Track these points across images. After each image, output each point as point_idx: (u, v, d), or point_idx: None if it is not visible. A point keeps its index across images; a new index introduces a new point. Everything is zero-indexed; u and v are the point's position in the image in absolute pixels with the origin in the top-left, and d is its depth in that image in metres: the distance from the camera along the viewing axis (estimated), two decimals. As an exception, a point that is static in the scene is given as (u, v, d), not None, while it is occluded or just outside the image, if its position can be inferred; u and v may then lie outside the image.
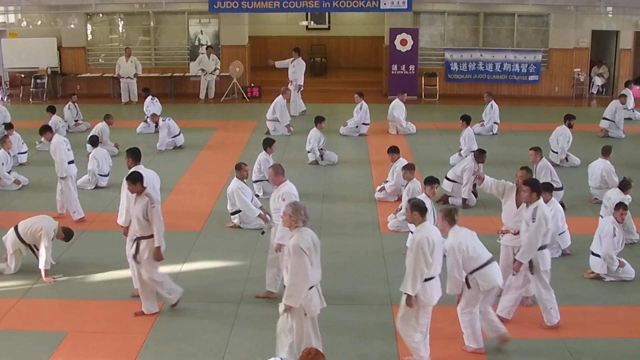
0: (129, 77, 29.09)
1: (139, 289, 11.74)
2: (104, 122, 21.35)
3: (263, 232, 13.33)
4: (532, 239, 11.14)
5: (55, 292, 12.72)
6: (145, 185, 11.63)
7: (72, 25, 31.02)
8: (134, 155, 13.00)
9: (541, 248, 11.27)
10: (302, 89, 27.30)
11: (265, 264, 12.62)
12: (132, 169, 12.53)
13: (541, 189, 11.67)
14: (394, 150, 17.37)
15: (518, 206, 11.76)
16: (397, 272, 12.68)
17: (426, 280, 9.93)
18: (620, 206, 13.30)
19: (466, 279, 10.52)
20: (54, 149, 16.10)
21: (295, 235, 9.64)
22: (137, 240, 11.50)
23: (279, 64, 28.04)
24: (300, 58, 27.58)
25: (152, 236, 11.39)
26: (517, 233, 11.62)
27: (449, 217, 10.59)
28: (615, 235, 12.99)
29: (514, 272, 11.40)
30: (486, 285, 10.51)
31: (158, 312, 11.79)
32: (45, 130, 16.90)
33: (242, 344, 10.89)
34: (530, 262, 11.25)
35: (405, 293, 10.00)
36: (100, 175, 18.38)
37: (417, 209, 10.14)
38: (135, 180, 11.48)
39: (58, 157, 16.00)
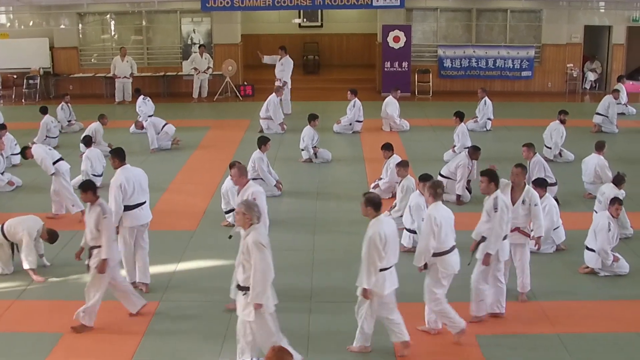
0: (125, 77, 29.06)
1: (116, 294, 11.71)
2: (98, 122, 21.30)
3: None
4: (497, 229, 11.23)
5: (49, 293, 12.70)
6: (98, 194, 11.48)
7: (64, 26, 30.95)
8: (119, 155, 12.88)
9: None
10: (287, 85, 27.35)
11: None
12: (119, 169, 12.56)
13: (498, 179, 11.63)
14: (387, 148, 17.37)
15: (514, 203, 11.80)
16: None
17: (381, 270, 10.22)
18: (615, 201, 13.33)
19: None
20: (36, 156, 16.16)
21: (252, 232, 9.62)
22: (91, 249, 11.43)
23: (267, 59, 28.05)
24: (288, 56, 27.60)
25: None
26: (513, 230, 11.67)
27: (433, 189, 10.99)
28: (610, 230, 13.02)
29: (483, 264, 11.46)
30: (445, 272, 10.80)
31: (152, 313, 11.80)
32: (25, 150, 16.73)
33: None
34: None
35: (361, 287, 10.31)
36: (94, 175, 18.31)
37: (371, 204, 10.28)
38: (86, 189, 11.38)
39: (40, 159, 16.09)
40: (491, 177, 11.47)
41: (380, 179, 17.57)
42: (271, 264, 9.59)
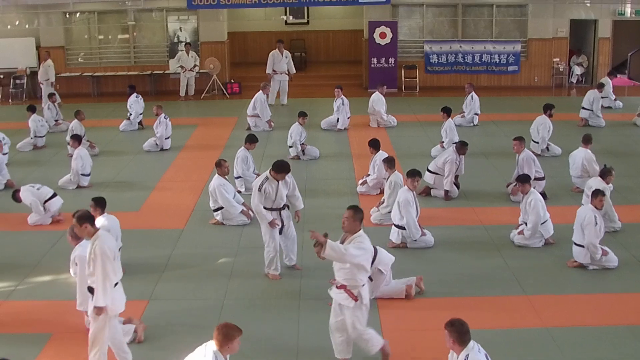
0: (40, 83, 28.67)
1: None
2: (75, 119, 21.24)
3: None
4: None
5: (38, 294, 12.68)
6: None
7: (50, 25, 30.83)
8: (100, 204, 12.86)
9: None
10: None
11: (248, 260, 12.76)
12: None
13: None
14: (373, 145, 17.41)
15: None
16: (381, 265, 12.74)
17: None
18: (597, 193, 13.33)
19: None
20: (25, 201, 15.89)
21: None
22: None
23: (270, 67, 27.89)
24: None
25: None
26: (339, 287, 9.98)
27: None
28: (597, 223, 13.03)
29: None
30: None
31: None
32: (14, 193, 16.24)
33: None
34: None
35: (95, 307, 9.68)
36: (82, 174, 18.29)
37: (87, 220, 9.77)
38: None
39: (29, 202, 15.83)
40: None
41: (368, 175, 17.59)
42: None
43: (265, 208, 12.84)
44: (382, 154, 16.93)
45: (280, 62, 27.69)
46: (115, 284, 9.85)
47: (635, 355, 10.48)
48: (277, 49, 27.78)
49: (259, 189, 12.78)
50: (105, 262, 9.54)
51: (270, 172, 12.88)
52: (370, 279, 11.38)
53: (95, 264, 9.57)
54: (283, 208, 13.15)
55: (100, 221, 12.61)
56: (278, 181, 12.87)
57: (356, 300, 9.85)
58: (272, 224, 12.94)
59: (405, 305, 11.97)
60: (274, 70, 27.60)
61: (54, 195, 16.13)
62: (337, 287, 10.01)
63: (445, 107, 20.64)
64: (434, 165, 17.40)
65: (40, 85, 28.67)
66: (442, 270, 13.18)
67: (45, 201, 15.91)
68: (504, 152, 17.02)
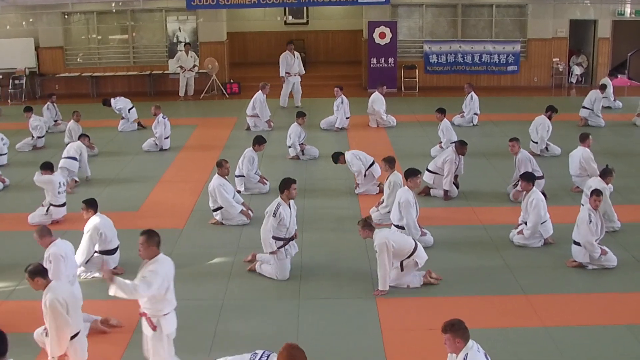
0: None
1: None
2: (72, 120, 21.40)
3: None
4: None
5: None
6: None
7: (50, 25, 30.82)
8: (92, 205, 13.35)
9: None
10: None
11: (247, 259, 12.83)
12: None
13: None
14: (335, 159, 17.73)
15: None
16: (380, 265, 12.75)
17: (72, 337, 9.76)
18: (593, 193, 13.32)
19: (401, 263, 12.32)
20: (47, 182, 15.84)
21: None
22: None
23: (282, 69, 27.85)
24: None
25: None
26: (142, 314, 9.81)
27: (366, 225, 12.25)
28: (590, 221, 13.00)
29: None
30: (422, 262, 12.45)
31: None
32: (45, 168, 16.12)
33: (228, 340, 10.90)
34: None
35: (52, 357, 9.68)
36: (67, 157, 18.37)
37: (38, 275, 9.66)
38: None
39: (50, 186, 15.81)
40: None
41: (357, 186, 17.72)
42: None
43: (278, 238, 12.99)
44: (350, 157, 17.39)
45: (293, 64, 27.68)
46: (77, 334, 9.87)
47: (634, 354, 10.48)
48: (287, 51, 27.72)
49: (274, 214, 12.94)
50: (53, 315, 9.53)
51: (280, 195, 13.22)
52: (402, 269, 12.33)
53: (47, 317, 9.62)
54: (292, 238, 13.29)
55: (94, 220, 12.96)
56: (289, 207, 13.10)
57: (154, 329, 9.64)
58: (273, 253, 12.99)
59: (404, 304, 11.97)
60: (287, 73, 27.57)
61: (64, 204, 16.12)
62: (139, 314, 9.80)
63: (439, 108, 20.71)
64: (434, 165, 17.40)
65: None
66: (441, 270, 13.14)
67: (53, 205, 15.92)
68: (504, 152, 17.02)
